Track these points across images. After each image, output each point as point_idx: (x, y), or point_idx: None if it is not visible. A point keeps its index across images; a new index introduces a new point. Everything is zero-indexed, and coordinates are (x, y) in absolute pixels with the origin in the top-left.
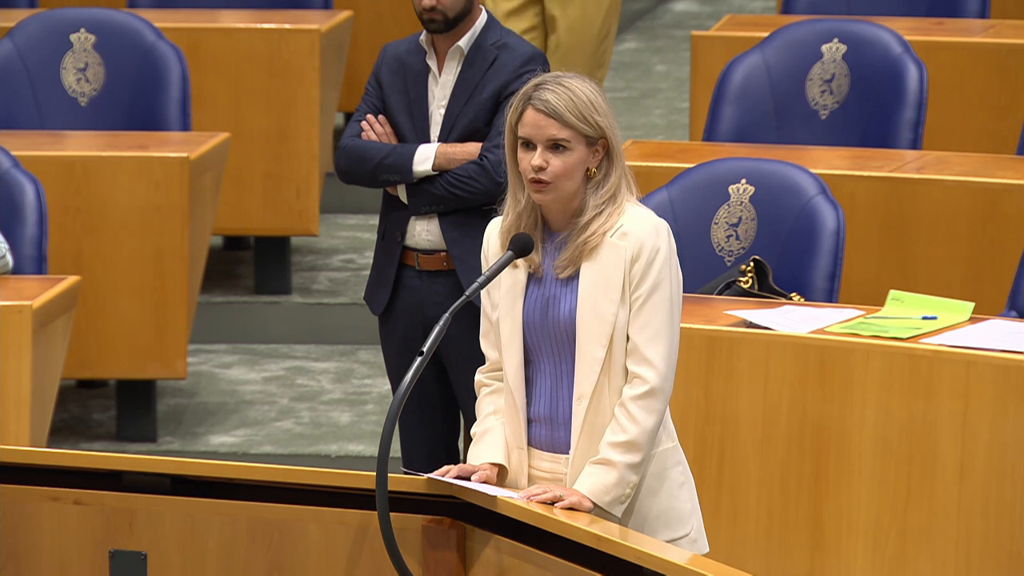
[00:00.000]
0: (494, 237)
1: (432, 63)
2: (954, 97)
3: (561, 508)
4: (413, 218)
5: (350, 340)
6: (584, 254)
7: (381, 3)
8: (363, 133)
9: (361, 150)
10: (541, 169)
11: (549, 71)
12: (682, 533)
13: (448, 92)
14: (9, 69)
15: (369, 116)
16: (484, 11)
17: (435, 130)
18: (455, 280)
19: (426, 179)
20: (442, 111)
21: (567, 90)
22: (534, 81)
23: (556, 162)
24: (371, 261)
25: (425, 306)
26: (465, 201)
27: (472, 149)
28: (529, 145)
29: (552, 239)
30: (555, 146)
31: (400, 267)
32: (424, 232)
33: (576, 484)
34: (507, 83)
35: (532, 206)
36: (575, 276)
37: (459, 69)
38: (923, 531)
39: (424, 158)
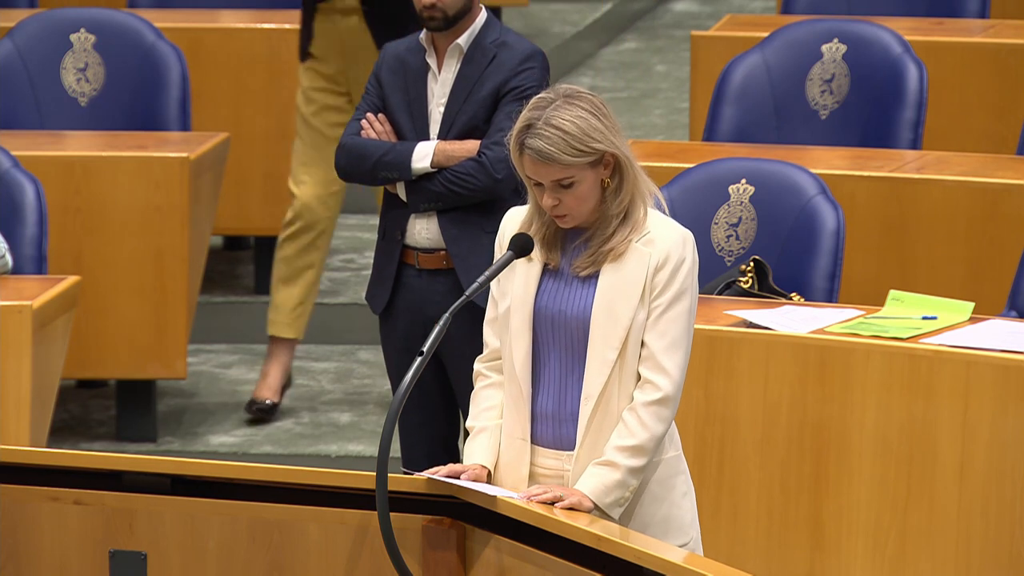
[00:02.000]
0: (511, 229)
1: (432, 61)
2: (954, 97)
3: (561, 508)
4: (413, 216)
5: (350, 340)
6: (608, 258)
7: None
8: (363, 131)
9: (360, 148)
10: (555, 206)
11: (548, 69)
12: (682, 542)
13: (447, 90)
14: (9, 69)
15: (369, 114)
16: (484, 9)
17: (435, 128)
18: (455, 279)
19: (425, 177)
20: (441, 109)
21: (556, 129)
22: (524, 121)
23: (567, 198)
24: (371, 261)
25: (425, 305)
26: (463, 198)
27: (471, 146)
28: (538, 184)
29: (574, 239)
30: (561, 184)
31: (400, 266)
32: (424, 231)
33: (578, 484)
34: (506, 80)
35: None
36: (594, 275)
37: (458, 67)
38: (923, 531)
39: (423, 155)
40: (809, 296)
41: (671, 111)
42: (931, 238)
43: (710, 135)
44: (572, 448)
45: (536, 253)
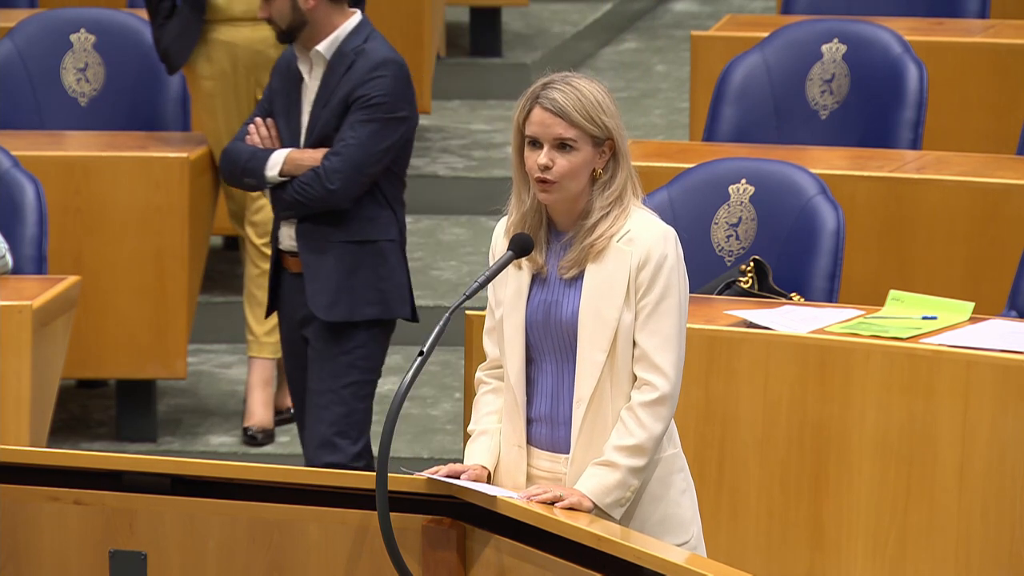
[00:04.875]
0: (500, 237)
1: (304, 68)
2: (954, 97)
3: (561, 508)
4: (281, 222)
5: None
6: (590, 256)
7: (381, 3)
8: (247, 136)
9: (233, 153)
10: (547, 168)
11: (405, 79)
12: (682, 540)
13: (312, 97)
14: (9, 69)
15: (257, 119)
16: (356, 16)
17: (304, 134)
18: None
19: (280, 185)
20: (308, 116)
21: (575, 89)
22: (542, 80)
23: (562, 161)
24: None
25: (295, 308)
26: (307, 208)
27: (318, 155)
28: (536, 144)
29: (558, 239)
30: (562, 145)
31: (279, 270)
32: (287, 237)
33: (578, 484)
34: (354, 88)
35: (538, 206)
36: (579, 277)
37: (323, 74)
38: (923, 531)
39: (274, 164)
40: (809, 296)
41: (671, 111)
42: (931, 238)
43: (710, 135)
44: (567, 450)
45: (524, 259)
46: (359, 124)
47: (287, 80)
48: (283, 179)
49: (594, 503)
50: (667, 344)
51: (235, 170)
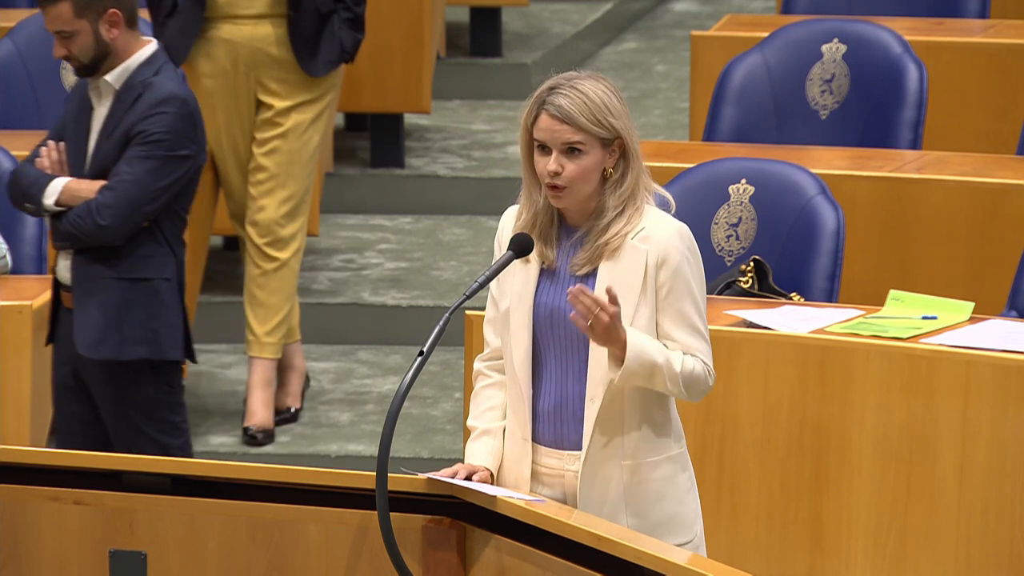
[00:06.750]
0: (509, 228)
1: (94, 96)
2: (954, 97)
3: (605, 313)
4: (60, 252)
5: (350, 340)
6: (604, 254)
7: (381, 3)
8: (38, 159)
9: (19, 174)
10: (557, 174)
11: (189, 117)
12: (686, 539)
13: (100, 126)
14: (9, 69)
15: (50, 143)
16: (151, 46)
17: (88, 164)
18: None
19: (58, 215)
20: (94, 145)
21: (580, 93)
22: (548, 84)
23: (571, 166)
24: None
25: (68, 346)
26: (80, 241)
27: (96, 188)
28: (545, 149)
29: (569, 236)
30: (570, 150)
31: (57, 302)
32: (64, 269)
33: (630, 334)
34: (135, 123)
35: (548, 205)
36: (592, 274)
37: (111, 104)
38: (923, 531)
39: (52, 192)
40: (809, 296)
41: (671, 111)
42: (931, 238)
43: (710, 135)
44: (572, 447)
45: (532, 252)
46: (136, 160)
47: (80, 105)
48: (60, 209)
49: (627, 352)
50: (696, 333)
51: (17, 194)
